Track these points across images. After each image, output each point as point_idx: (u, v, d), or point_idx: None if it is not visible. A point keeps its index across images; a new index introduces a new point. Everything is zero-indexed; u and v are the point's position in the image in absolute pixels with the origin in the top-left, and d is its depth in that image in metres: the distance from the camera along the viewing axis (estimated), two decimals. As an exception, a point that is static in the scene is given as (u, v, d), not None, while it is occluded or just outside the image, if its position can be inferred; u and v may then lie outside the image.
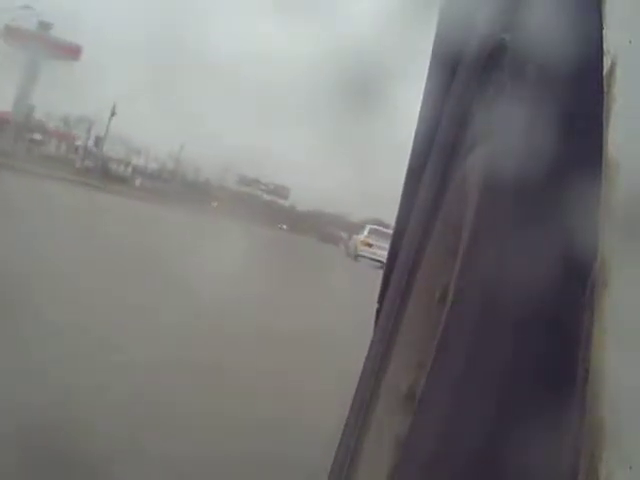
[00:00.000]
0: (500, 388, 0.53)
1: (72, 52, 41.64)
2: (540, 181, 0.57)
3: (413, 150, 1.39)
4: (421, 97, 1.40)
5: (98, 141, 40.49)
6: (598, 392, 0.44)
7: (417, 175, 1.22)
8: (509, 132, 0.64)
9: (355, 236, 29.13)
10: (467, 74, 0.97)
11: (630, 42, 0.50)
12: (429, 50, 1.34)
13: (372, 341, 1.27)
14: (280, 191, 60.73)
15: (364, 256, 26.85)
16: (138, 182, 41.69)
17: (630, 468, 0.41)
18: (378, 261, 25.58)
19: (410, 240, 1.14)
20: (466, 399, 0.56)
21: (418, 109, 1.41)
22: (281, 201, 59.75)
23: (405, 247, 1.19)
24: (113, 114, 37.36)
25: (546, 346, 0.52)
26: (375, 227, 28.42)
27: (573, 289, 0.49)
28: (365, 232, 28.27)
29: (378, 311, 1.44)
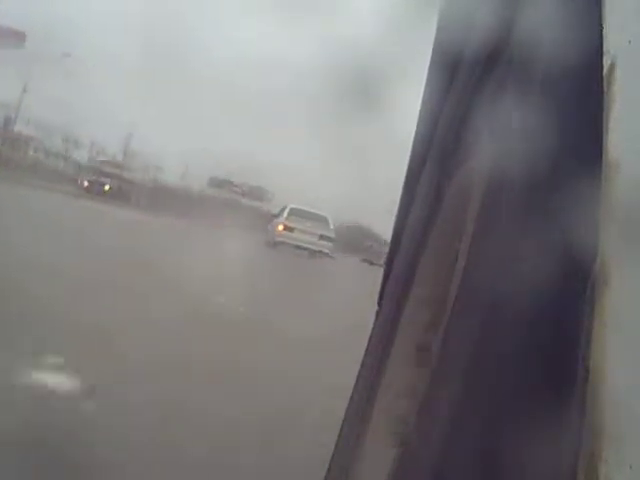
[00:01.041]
0: (502, 387, 0.53)
1: (16, 38, 39.30)
2: (540, 181, 0.57)
3: (413, 150, 1.39)
4: (421, 97, 1.40)
5: (8, 122, 36.11)
6: (598, 392, 0.44)
7: (417, 175, 1.22)
8: (509, 132, 0.64)
9: (275, 220, 23.85)
10: (467, 74, 0.97)
11: (630, 42, 0.50)
12: (429, 51, 1.34)
13: (371, 339, 1.27)
14: (255, 193, 55.76)
15: (284, 242, 21.96)
16: (80, 179, 34.66)
17: (630, 468, 0.41)
18: (303, 248, 21.85)
19: (409, 240, 1.15)
20: (468, 399, 0.56)
21: (418, 109, 1.41)
22: (257, 204, 55.88)
23: (404, 247, 1.19)
24: (24, 91, 34.47)
25: (547, 345, 0.52)
26: (297, 207, 23.51)
27: (574, 289, 0.49)
28: (285, 214, 23.12)
29: (378, 312, 1.44)
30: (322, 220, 23.62)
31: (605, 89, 0.51)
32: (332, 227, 23.79)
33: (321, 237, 22.84)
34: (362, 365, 1.25)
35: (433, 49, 1.33)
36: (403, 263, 1.14)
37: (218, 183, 53.66)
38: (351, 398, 1.24)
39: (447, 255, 0.94)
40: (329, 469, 1.20)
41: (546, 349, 0.52)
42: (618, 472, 0.42)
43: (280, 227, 22.54)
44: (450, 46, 1.15)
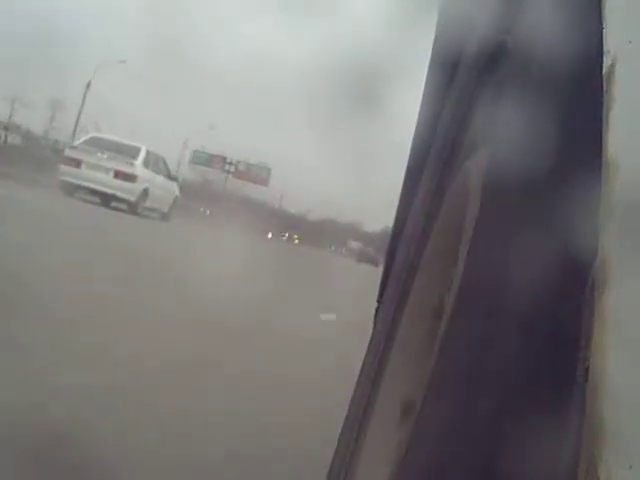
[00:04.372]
0: (500, 388, 0.53)
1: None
2: (540, 181, 0.57)
3: (412, 150, 1.40)
4: (420, 98, 1.40)
5: None
6: (598, 392, 0.44)
7: (416, 175, 1.23)
8: (509, 133, 0.64)
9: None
10: (467, 75, 0.97)
11: (630, 42, 0.50)
12: (429, 51, 1.34)
13: (370, 342, 1.27)
14: (255, 173, 39.65)
15: (70, 183, 15.27)
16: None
17: (630, 468, 0.41)
18: (92, 190, 15.33)
19: (409, 240, 1.15)
20: (466, 399, 0.56)
21: (417, 110, 1.41)
22: (255, 187, 40.95)
23: (404, 247, 1.19)
24: None
25: (546, 346, 0.52)
26: (101, 136, 16.73)
27: (573, 289, 0.49)
28: (77, 143, 16.57)
29: (377, 310, 1.44)
30: (129, 152, 15.99)
31: (605, 89, 0.51)
32: (140, 161, 16.09)
33: (117, 174, 15.38)
34: (364, 362, 1.26)
35: (433, 49, 1.33)
36: (404, 262, 1.14)
37: (205, 159, 40.25)
38: (354, 395, 1.24)
39: (448, 255, 0.94)
40: (332, 464, 1.20)
41: (546, 349, 0.52)
42: (618, 472, 0.42)
43: (65, 161, 15.81)
44: (450, 46, 1.15)
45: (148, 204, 16.75)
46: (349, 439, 1.12)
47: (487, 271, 0.60)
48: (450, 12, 1.24)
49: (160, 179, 17.38)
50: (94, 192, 15.53)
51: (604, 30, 0.53)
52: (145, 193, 16.30)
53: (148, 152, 16.76)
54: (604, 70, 0.51)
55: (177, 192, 18.95)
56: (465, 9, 1.04)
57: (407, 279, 1.08)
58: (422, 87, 1.38)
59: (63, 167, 15.66)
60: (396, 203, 1.44)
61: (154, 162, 17.14)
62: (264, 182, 41.75)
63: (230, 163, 41.86)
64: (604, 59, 0.52)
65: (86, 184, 15.33)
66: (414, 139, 1.39)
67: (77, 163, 15.37)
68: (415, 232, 1.10)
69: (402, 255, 1.19)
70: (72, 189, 15.29)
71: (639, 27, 0.51)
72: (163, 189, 17.49)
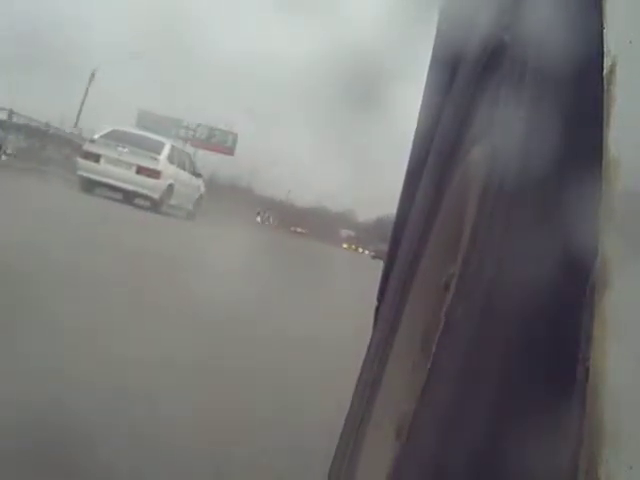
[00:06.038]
0: (500, 388, 0.53)
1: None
2: (540, 181, 0.57)
3: (414, 147, 1.40)
4: (421, 97, 1.40)
5: None
6: (598, 392, 0.44)
7: (417, 172, 1.23)
8: (509, 131, 0.64)
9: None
10: (467, 73, 0.97)
11: (630, 42, 0.50)
12: (429, 50, 1.34)
13: (372, 340, 1.27)
14: (218, 140, 30.77)
15: (88, 178, 14.40)
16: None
17: (630, 468, 0.41)
18: (115, 187, 14.53)
19: (410, 238, 1.15)
20: (465, 399, 0.56)
21: (418, 107, 1.41)
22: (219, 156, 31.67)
23: (406, 244, 1.19)
24: None
25: (546, 346, 0.52)
26: (123, 129, 15.61)
27: (573, 289, 0.49)
28: (96, 137, 15.31)
29: (377, 308, 1.44)
30: (152, 146, 15.13)
31: (605, 89, 0.51)
32: (164, 156, 15.25)
33: (139, 170, 14.58)
34: (364, 363, 1.26)
35: (433, 48, 1.33)
36: (404, 262, 1.14)
37: (154, 122, 30.26)
38: (353, 396, 1.24)
39: (448, 254, 0.94)
40: (332, 464, 1.21)
41: (546, 349, 0.52)
42: (618, 472, 0.42)
43: (82, 156, 14.84)
44: (450, 45, 1.15)
45: (173, 202, 16.04)
46: (349, 438, 1.12)
47: (486, 270, 0.60)
48: (451, 12, 1.24)
49: (185, 175, 16.67)
50: (114, 189, 14.71)
51: (604, 30, 0.53)
52: (170, 190, 15.53)
53: (173, 147, 16.17)
54: (605, 70, 0.51)
55: (203, 189, 18.27)
56: (466, 8, 1.04)
57: (409, 275, 1.08)
58: (422, 85, 1.38)
59: (81, 161, 14.80)
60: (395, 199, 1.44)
61: (179, 157, 16.48)
62: (230, 151, 33.01)
63: (187, 127, 33.07)
64: (605, 59, 0.52)
65: (106, 180, 14.49)
66: (415, 138, 1.39)
67: (96, 158, 14.53)
68: (417, 229, 1.10)
69: (404, 252, 1.19)
70: (91, 185, 14.51)
71: (639, 27, 0.51)
72: (188, 186, 16.74)
